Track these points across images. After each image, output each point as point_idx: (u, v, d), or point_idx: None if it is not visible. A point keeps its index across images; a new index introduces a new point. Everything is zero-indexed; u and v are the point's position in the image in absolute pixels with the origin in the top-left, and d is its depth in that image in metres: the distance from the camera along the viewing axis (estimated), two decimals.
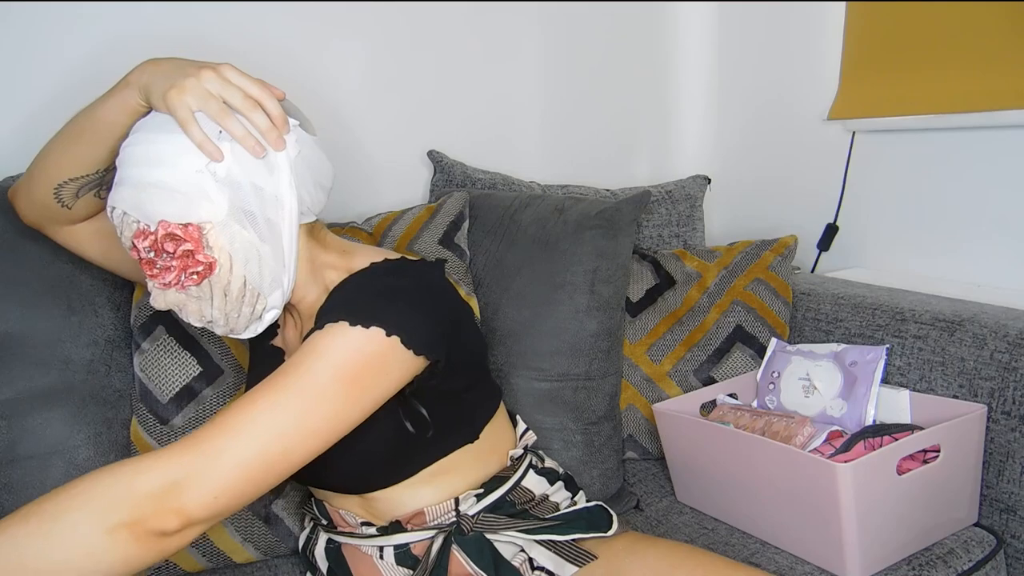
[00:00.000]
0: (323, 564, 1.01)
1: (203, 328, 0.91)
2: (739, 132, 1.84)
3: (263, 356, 0.99)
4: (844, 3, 1.56)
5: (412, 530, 0.93)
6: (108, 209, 0.81)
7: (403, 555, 0.94)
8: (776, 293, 1.44)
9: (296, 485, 1.11)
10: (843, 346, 1.26)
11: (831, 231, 1.64)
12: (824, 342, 1.35)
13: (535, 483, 1.01)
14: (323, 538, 1.02)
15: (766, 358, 1.35)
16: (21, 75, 1.22)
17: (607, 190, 1.61)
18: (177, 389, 1.08)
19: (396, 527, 0.94)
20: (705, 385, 1.35)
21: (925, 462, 1.06)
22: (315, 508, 1.03)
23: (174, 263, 0.78)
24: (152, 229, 0.78)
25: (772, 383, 1.31)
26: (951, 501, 1.10)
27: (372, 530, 0.95)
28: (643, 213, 1.57)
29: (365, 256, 0.91)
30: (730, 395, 1.32)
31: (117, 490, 0.66)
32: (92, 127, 0.84)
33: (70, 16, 1.23)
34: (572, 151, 1.77)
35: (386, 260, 0.91)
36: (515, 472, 0.99)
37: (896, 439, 1.05)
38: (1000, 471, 1.12)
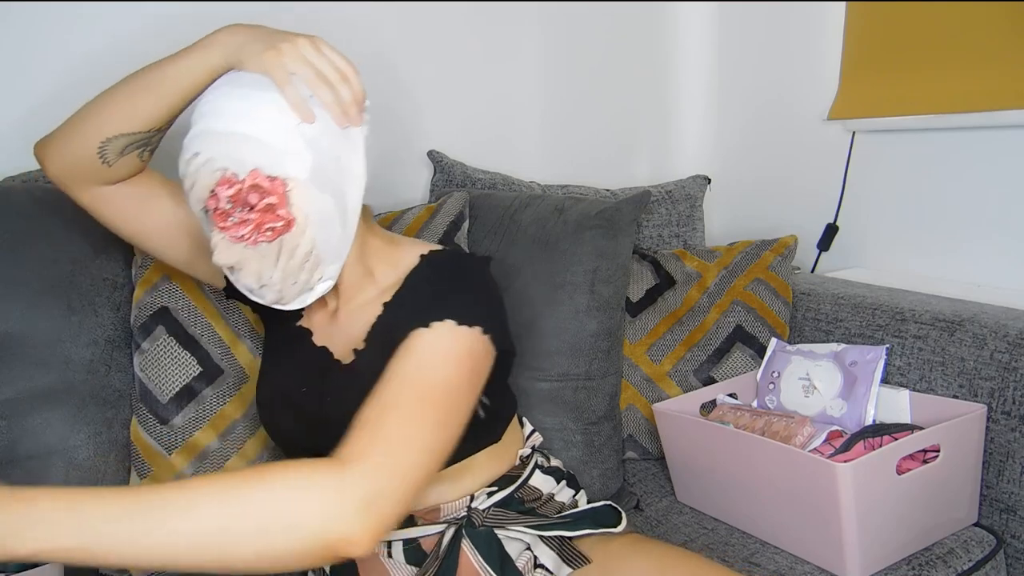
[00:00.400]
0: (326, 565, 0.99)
1: (228, 293, 0.95)
2: (739, 132, 1.84)
3: (288, 338, 0.97)
4: (844, 3, 1.56)
5: (423, 524, 0.93)
6: (187, 156, 0.80)
7: (412, 551, 0.93)
8: (776, 293, 1.44)
9: None
10: (843, 346, 1.26)
11: (831, 231, 1.64)
12: (824, 342, 1.35)
13: (541, 482, 1.02)
14: None
15: (766, 358, 1.35)
16: (20, 74, 1.22)
17: (607, 190, 1.61)
18: (177, 389, 1.08)
19: (407, 521, 0.93)
20: (705, 385, 1.35)
21: (925, 462, 1.06)
22: None
23: (252, 216, 0.78)
24: (240, 178, 0.78)
25: (772, 383, 1.31)
26: (951, 501, 1.10)
27: None
28: (643, 213, 1.57)
29: (411, 246, 0.94)
30: (730, 395, 1.32)
31: (328, 507, 0.65)
32: (164, 82, 0.85)
33: (70, 16, 1.23)
34: (572, 151, 1.77)
35: (437, 251, 0.94)
36: (523, 471, 1.00)
37: (896, 439, 1.05)
38: (1000, 471, 1.12)
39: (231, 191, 0.78)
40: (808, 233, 1.66)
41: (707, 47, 1.86)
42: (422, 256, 0.92)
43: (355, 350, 0.90)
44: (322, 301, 0.95)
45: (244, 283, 0.83)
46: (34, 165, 1.19)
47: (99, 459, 1.06)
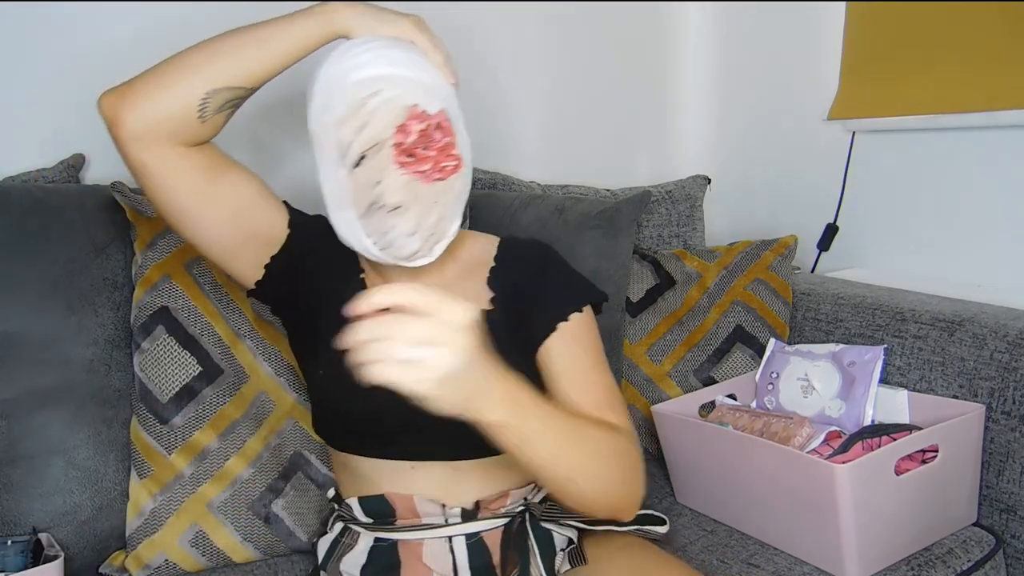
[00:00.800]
0: (355, 571, 0.93)
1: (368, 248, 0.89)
2: (739, 132, 1.84)
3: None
4: (844, 3, 1.56)
5: (484, 518, 0.91)
6: (365, 94, 0.81)
7: (475, 544, 0.90)
8: (776, 293, 1.43)
9: (304, 487, 1.11)
10: (841, 346, 1.26)
11: (831, 231, 1.64)
12: (824, 342, 1.35)
13: None
14: (365, 540, 0.94)
15: (765, 358, 1.35)
16: (19, 74, 1.22)
17: (607, 190, 1.61)
18: (177, 389, 1.08)
19: (469, 515, 0.91)
20: (705, 385, 1.35)
21: (924, 462, 1.06)
22: (359, 508, 0.94)
23: (432, 153, 0.83)
24: (432, 113, 0.83)
25: (771, 383, 1.31)
26: (950, 501, 1.10)
27: (454, 512, 0.90)
28: (643, 213, 1.57)
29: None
30: (729, 396, 1.32)
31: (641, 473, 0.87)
32: (276, 41, 0.85)
33: (69, 13, 1.24)
34: (572, 151, 1.77)
35: (510, 238, 1.03)
36: None
37: (894, 439, 1.05)
38: (1000, 471, 1.12)
39: (422, 125, 0.82)
40: (808, 233, 1.66)
41: (707, 47, 1.86)
42: (500, 241, 1.01)
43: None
44: (379, 279, 0.96)
45: (399, 229, 0.84)
46: (34, 165, 1.20)
47: (99, 459, 1.06)
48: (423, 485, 0.91)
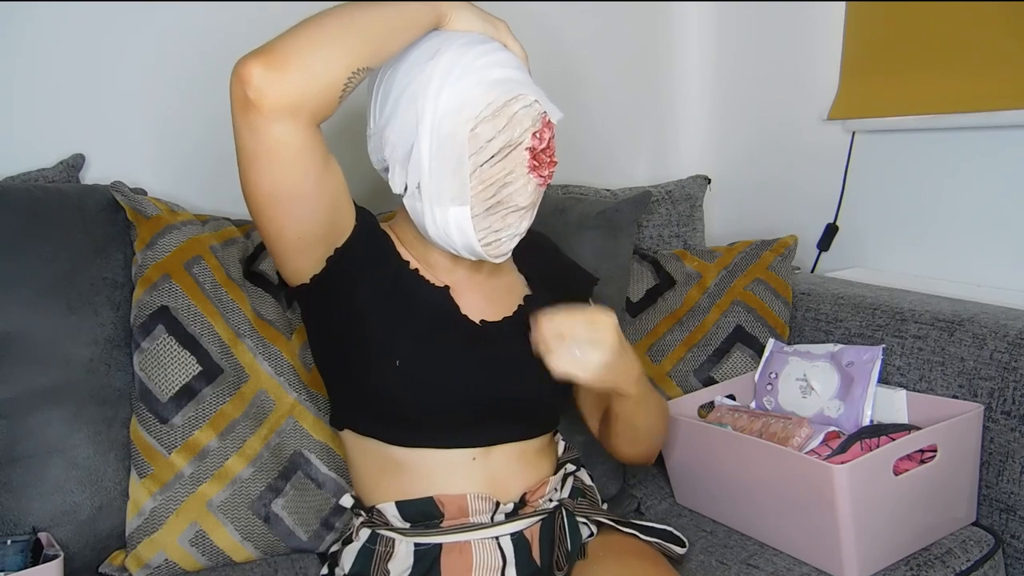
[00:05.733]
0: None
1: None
2: (739, 132, 1.84)
3: (429, 314, 0.95)
4: (844, 3, 1.56)
5: (526, 515, 0.95)
6: (507, 97, 0.86)
7: (519, 540, 0.93)
8: (776, 293, 1.43)
9: (304, 486, 1.11)
10: (840, 346, 1.26)
11: (831, 231, 1.64)
12: (824, 342, 1.35)
13: (584, 475, 1.10)
14: (405, 546, 0.93)
15: (764, 359, 1.35)
16: (17, 73, 1.22)
17: (607, 190, 1.61)
18: (177, 388, 1.08)
19: (518, 508, 0.95)
20: (705, 385, 1.35)
21: (922, 462, 1.06)
22: (396, 513, 0.93)
23: (549, 159, 0.91)
24: (555, 123, 0.91)
25: (770, 384, 1.31)
26: (949, 501, 1.10)
27: (507, 508, 0.93)
28: (643, 213, 1.57)
29: None
30: (728, 396, 1.32)
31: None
32: (404, 23, 0.85)
33: (63, 12, 1.24)
34: (572, 151, 1.77)
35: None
36: (571, 462, 1.08)
37: (893, 439, 1.05)
38: (1000, 471, 1.12)
39: (550, 134, 0.90)
40: (808, 233, 1.66)
41: (707, 47, 1.86)
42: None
43: (526, 297, 1.03)
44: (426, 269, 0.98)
45: (518, 229, 0.92)
46: (34, 165, 1.20)
47: (99, 458, 1.06)
48: (479, 479, 0.94)
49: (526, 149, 0.87)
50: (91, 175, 1.27)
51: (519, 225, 0.91)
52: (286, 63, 0.76)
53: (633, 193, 1.54)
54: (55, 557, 0.92)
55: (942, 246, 1.47)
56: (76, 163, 1.23)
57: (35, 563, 0.94)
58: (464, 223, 0.87)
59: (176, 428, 1.07)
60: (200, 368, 1.10)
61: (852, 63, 1.56)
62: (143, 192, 1.21)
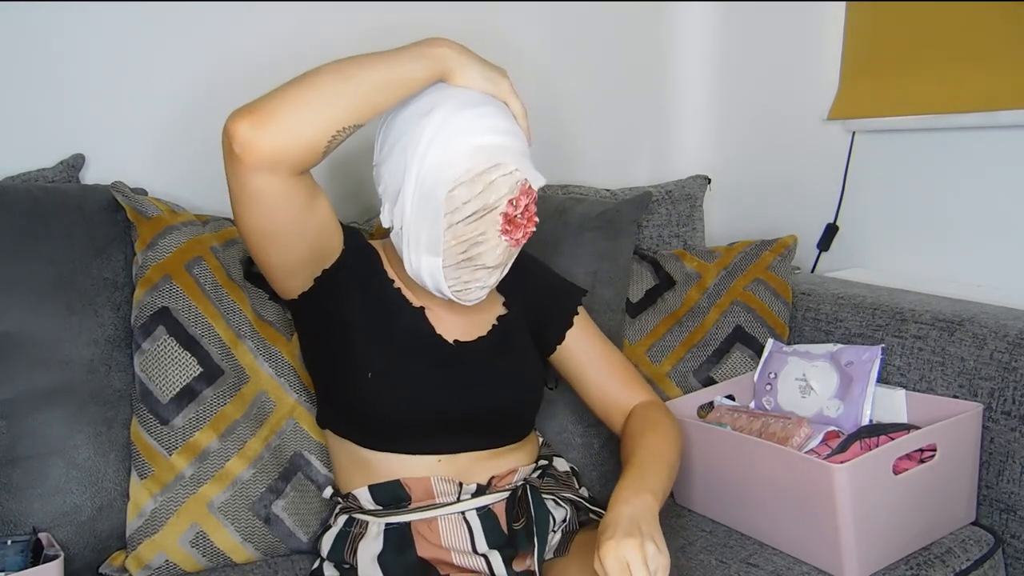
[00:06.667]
0: (368, 560, 0.96)
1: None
2: (739, 132, 1.84)
3: (408, 332, 1.01)
4: (844, 3, 1.56)
5: (492, 492, 0.99)
6: (487, 165, 0.89)
7: (487, 515, 0.98)
8: (776, 293, 1.43)
9: (304, 488, 1.11)
10: (839, 346, 1.26)
11: (831, 231, 1.64)
12: (824, 342, 1.35)
13: (560, 463, 1.12)
14: (376, 526, 0.98)
15: (763, 359, 1.35)
16: (16, 73, 1.22)
17: (607, 190, 1.61)
18: (177, 389, 1.08)
19: (480, 490, 0.99)
20: (705, 385, 1.35)
21: (922, 461, 1.06)
22: (368, 496, 0.99)
23: (524, 223, 0.93)
24: (535, 189, 0.94)
25: (769, 384, 1.31)
26: (948, 500, 1.10)
27: (470, 488, 0.98)
28: (643, 214, 1.57)
29: None
30: (727, 396, 1.32)
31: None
32: (398, 83, 0.88)
33: (59, 12, 1.24)
34: (572, 151, 1.77)
35: None
36: (548, 453, 1.14)
37: (892, 439, 1.05)
38: (1000, 471, 1.12)
39: (529, 199, 0.93)
40: (808, 233, 1.66)
41: (707, 47, 1.86)
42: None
43: (499, 317, 1.07)
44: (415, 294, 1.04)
45: (487, 282, 0.95)
46: (34, 165, 1.20)
47: (99, 459, 1.06)
48: (444, 472, 0.99)
49: (500, 214, 0.91)
50: (91, 175, 1.27)
51: (488, 279, 0.95)
52: (270, 123, 0.81)
53: (633, 193, 1.54)
54: (55, 557, 0.92)
55: (942, 246, 1.47)
56: (76, 163, 1.23)
57: (35, 563, 0.94)
58: (436, 272, 0.93)
59: (177, 429, 1.07)
60: (201, 369, 1.10)
61: (852, 63, 1.56)
62: (143, 192, 1.21)
